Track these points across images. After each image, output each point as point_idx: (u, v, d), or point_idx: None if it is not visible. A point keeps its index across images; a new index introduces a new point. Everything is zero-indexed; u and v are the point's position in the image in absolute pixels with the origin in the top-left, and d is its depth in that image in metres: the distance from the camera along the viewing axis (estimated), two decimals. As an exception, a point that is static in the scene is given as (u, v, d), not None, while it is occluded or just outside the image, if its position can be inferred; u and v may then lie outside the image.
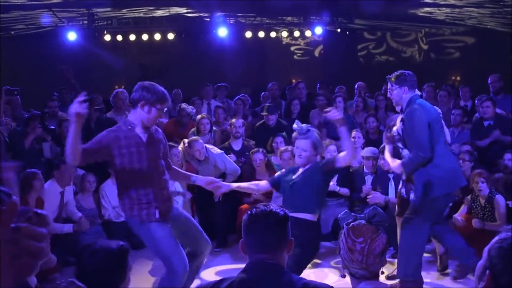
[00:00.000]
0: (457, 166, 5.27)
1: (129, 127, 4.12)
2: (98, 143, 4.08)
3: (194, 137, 6.93)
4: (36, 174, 5.98)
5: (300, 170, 4.54)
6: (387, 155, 5.43)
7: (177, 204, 5.66)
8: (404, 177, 5.34)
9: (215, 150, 6.86)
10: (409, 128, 4.93)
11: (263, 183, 4.84)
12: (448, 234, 5.28)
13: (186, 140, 6.96)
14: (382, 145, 6.24)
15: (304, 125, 4.55)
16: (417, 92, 5.14)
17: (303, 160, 4.52)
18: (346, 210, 2.44)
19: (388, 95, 5.23)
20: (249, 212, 2.35)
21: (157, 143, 4.26)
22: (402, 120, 5.07)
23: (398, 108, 5.13)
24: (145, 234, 4.20)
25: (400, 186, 5.83)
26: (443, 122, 5.27)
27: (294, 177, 4.52)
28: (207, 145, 6.88)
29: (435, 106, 5.53)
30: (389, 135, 5.45)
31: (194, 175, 4.86)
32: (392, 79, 5.01)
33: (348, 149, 4.40)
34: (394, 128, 5.40)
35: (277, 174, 5.04)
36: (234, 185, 4.87)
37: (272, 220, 2.27)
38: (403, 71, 5.08)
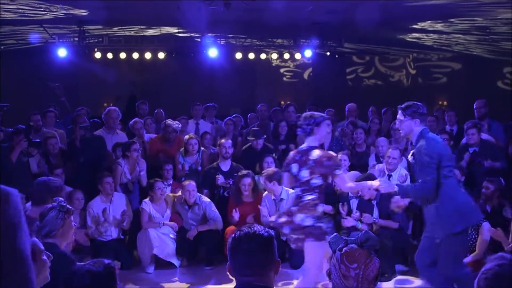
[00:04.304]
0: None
1: None
2: None
3: (186, 180, 7.12)
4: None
5: None
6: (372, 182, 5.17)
7: None
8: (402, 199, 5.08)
9: (205, 198, 7.07)
10: (418, 162, 4.70)
11: None
12: None
13: (180, 193, 7.14)
14: (362, 175, 6.31)
15: None
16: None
17: None
18: (335, 234, 2.43)
19: (397, 125, 4.96)
20: (233, 235, 2.35)
21: None
22: (413, 154, 4.87)
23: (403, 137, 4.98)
24: None
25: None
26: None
27: None
28: (199, 194, 7.08)
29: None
30: None
31: None
32: (404, 109, 4.73)
33: None
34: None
35: None
36: None
37: (256, 242, 2.27)
38: (415, 102, 4.77)
